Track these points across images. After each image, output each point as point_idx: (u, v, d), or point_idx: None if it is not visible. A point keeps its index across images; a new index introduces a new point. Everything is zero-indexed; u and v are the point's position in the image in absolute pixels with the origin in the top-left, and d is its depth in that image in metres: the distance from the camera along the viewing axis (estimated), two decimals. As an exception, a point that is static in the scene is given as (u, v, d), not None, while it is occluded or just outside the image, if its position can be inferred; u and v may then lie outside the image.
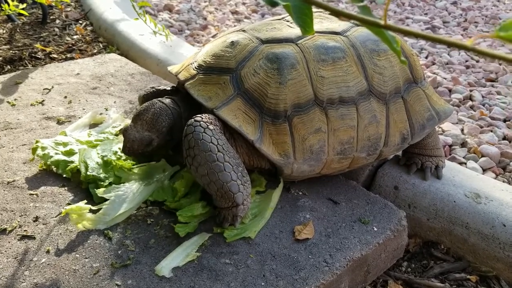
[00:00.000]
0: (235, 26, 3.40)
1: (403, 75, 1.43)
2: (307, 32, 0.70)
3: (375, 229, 1.29)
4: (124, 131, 1.32)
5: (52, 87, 1.96)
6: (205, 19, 3.55)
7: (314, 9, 1.88)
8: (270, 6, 0.69)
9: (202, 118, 1.21)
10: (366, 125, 1.35)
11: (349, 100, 1.33)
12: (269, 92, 1.27)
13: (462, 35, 3.37)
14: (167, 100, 1.38)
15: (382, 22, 0.60)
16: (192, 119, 1.21)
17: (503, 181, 1.73)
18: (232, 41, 1.36)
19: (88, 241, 1.18)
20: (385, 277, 1.36)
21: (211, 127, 1.20)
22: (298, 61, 1.30)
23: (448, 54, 2.97)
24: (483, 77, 2.66)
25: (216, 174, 1.16)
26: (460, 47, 0.54)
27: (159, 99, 1.38)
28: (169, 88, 1.57)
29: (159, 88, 1.57)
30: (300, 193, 1.40)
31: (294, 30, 1.37)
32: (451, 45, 0.56)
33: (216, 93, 1.29)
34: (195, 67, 1.38)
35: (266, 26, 1.42)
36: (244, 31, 1.42)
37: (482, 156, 1.87)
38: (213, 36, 3.17)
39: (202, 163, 1.16)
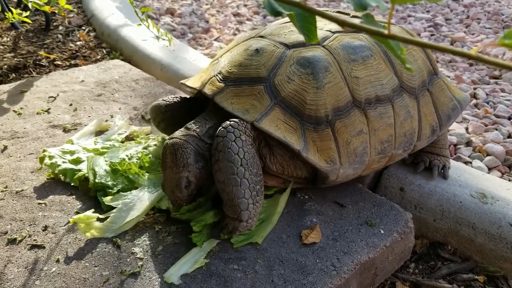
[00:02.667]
0: (237, 28, 3.41)
1: (426, 68, 1.45)
2: (311, 40, 0.71)
3: (382, 231, 1.30)
4: (162, 187, 1.26)
5: (58, 95, 1.98)
6: (207, 22, 3.56)
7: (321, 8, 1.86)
8: (273, 16, 0.70)
9: (238, 124, 1.18)
10: (402, 121, 1.36)
11: (385, 98, 1.33)
12: (308, 98, 1.25)
13: (464, 32, 3.36)
14: (176, 133, 1.28)
15: (386, 32, 0.60)
16: (228, 123, 1.19)
17: (509, 180, 1.73)
18: (256, 49, 1.33)
19: (97, 249, 1.19)
20: (393, 279, 1.37)
21: (243, 137, 1.17)
22: (330, 63, 1.29)
23: (451, 52, 2.97)
24: (486, 74, 2.66)
25: (231, 187, 1.15)
26: (466, 56, 0.54)
27: (169, 137, 1.27)
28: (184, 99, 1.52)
29: (178, 100, 1.51)
30: (306, 196, 1.41)
31: None
32: (455, 53, 0.56)
33: (253, 105, 1.25)
34: (221, 79, 1.33)
35: (282, 30, 1.40)
36: (262, 37, 1.40)
37: (488, 155, 1.87)
38: (216, 39, 3.18)
39: (223, 170, 1.16)
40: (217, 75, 1.36)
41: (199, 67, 2.33)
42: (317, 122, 1.26)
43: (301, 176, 1.35)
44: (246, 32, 3.36)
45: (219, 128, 1.19)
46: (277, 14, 0.68)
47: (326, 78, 1.27)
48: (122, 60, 2.58)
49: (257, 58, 1.32)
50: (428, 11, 3.86)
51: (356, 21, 0.61)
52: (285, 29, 1.41)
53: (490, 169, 1.81)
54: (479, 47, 0.59)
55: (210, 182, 1.28)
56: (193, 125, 1.30)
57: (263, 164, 1.30)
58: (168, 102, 1.50)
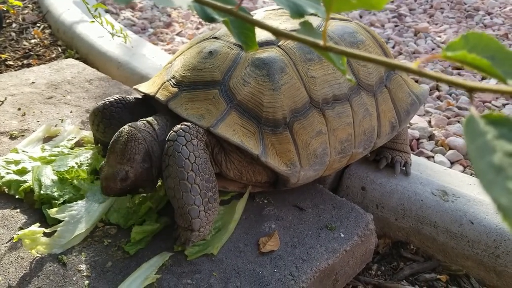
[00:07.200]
0: (200, 22, 3.32)
1: None
2: (251, 48, 0.66)
3: (342, 235, 1.26)
4: (100, 169, 1.19)
5: (5, 98, 1.87)
6: (169, 15, 3.46)
7: (276, 6, 1.81)
8: (207, 22, 0.64)
9: (189, 128, 1.14)
10: (361, 119, 1.33)
11: (343, 97, 1.30)
12: (265, 101, 1.21)
13: (428, 22, 3.36)
14: (138, 123, 1.23)
15: (321, 43, 0.55)
16: (179, 126, 1.14)
17: (471, 174, 1.72)
18: (210, 51, 1.28)
19: (41, 269, 1.12)
20: (355, 283, 1.34)
21: (194, 141, 1.12)
22: (286, 64, 1.25)
23: (415, 43, 2.96)
24: (449, 65, 2.66)
25: (181, 193, 1.10)
26: (407, 70, 0.50)
27: (130, 124, 1.21)
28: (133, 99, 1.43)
29: (122, 100, 1.41)
30: (265, 201, 1.36)
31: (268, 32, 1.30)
32: (395, 67, 0.52)
33: (208, 110, 1.20)
34: (174, 84, 1.28)
35: None
36: (216, 38, 1.35)
37: (450, 148, 1.86)
38: (178, 34, 3.09)
39: (173, 176, 1.10)
40: (170, 80, 1.30)
41: (158, 64, 2.25)
42: (275, 125, 1.22)
43: (261, 181, 1.31)
44: (208, 26, 3.28)
45: (170, 132, 1.14)
46: (211, 20, 0.63)
47: (283, 79, 1.23)
48: (78, 58, 2.47)
49: (211, 61, 1.27)
50: (392, 1, 3.85)
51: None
52: None
53: (452, 163, 1.80)
54: (421, 60, 0.55)
55: (151, 187, 1.24)
56: (154, 121, 1.25)
57: (218, 170, 1.25)
58: (109, 101, 1.39)
